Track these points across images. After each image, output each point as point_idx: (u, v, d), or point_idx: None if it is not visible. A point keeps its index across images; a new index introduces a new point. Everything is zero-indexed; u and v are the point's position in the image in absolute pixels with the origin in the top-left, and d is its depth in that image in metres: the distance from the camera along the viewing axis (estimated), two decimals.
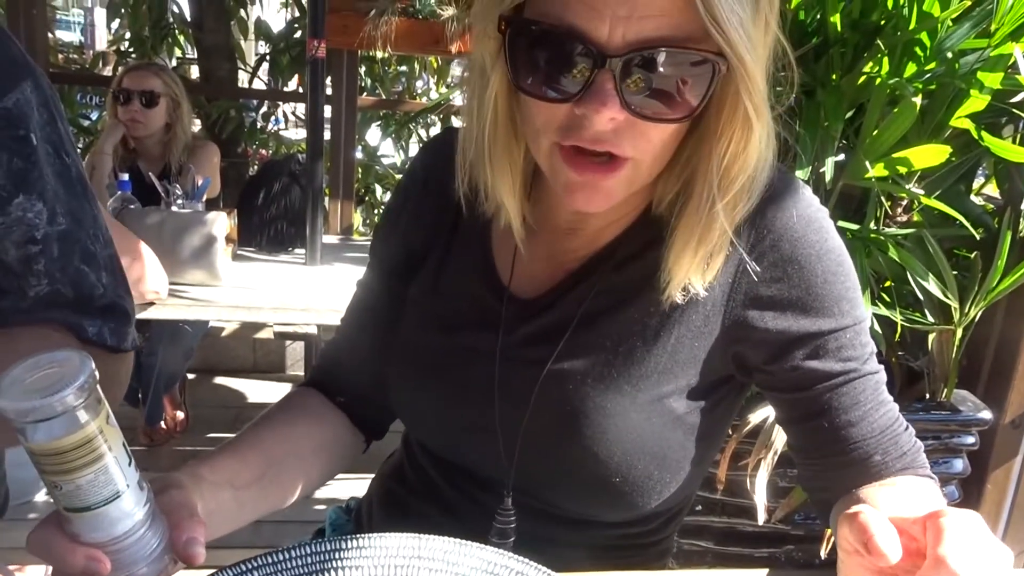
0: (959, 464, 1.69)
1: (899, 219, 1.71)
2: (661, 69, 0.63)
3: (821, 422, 0.76)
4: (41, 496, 2.38)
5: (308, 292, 2.28)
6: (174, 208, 2.32)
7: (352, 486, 1.14)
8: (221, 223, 2.23)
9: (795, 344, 0.74)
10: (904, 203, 1.71)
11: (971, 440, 1.69)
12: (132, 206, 2.26)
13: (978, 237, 1.66)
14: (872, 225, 1.62)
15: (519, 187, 0.76)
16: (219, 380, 3.57)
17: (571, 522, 0.82)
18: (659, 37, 0.61)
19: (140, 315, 1.99)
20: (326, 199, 3.23)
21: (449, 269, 0.86)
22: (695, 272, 0.72)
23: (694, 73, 0.63)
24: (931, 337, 1.67)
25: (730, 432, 1.93)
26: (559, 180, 0.70)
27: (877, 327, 1.76)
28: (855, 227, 1.58)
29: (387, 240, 0.91)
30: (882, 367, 0.78)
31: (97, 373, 0.53)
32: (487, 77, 0.69)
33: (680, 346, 0.76)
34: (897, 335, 1.71)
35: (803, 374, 0.75)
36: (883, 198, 1.64)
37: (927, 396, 1.71)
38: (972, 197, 1.79)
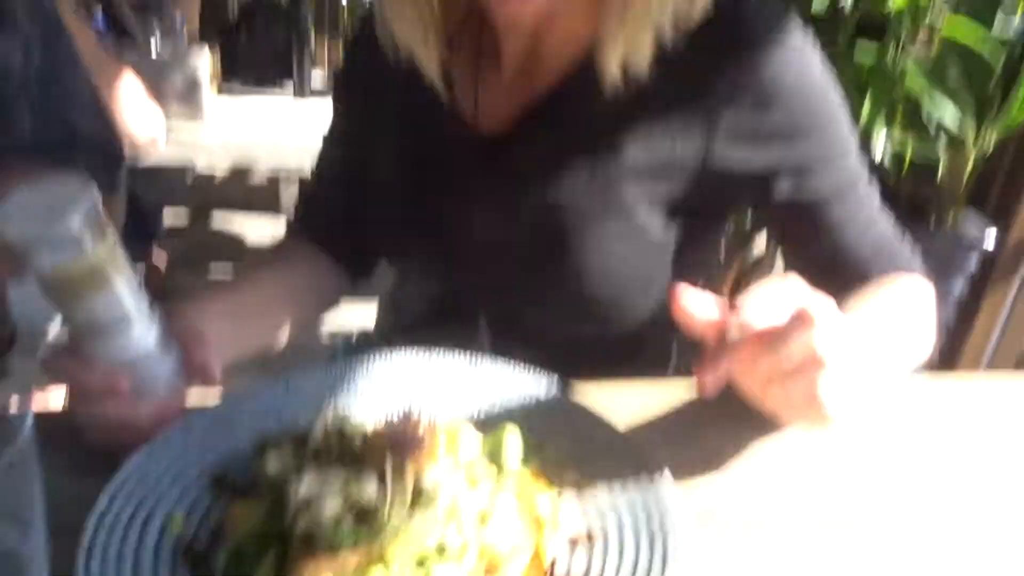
0: (958, 286, 1.72)
1: (921, 42, 1.64)
2: None
3: (811, 243, 0.76)
4: (52, 331, 2.41)
5: (299, 129, 2.23)
6: (153, 47, 2.23)
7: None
8: (204, 61, 2.16)
9: (781, 170, 0.73)
10: (926, 28, 1.63)
11: (972, 263, 1.70)
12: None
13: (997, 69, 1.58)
14: (892, 52, 1.55)
15: (432, 35, 0.73)
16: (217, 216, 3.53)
17: (556, 345, 0.80)
18: None
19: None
20: (312, 36, 3.10)
21: (411, 111, 0.82)
22: (634, 45, 0.67)
23: None
24: (942, 163, 1.65)
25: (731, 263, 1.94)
26: None
27: (886, 163, 1.73)
28: (874, 48, 1.52)
29: (347, 84, 0.91)
30: (875, 185, 0.78)
31: (100, 197, 0.53)
32: None
33: (660, 176, 0.74)
34: (907, 163, 1.69)
35: (791, 199, 0.74)
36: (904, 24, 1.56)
37: (933, 220, 1.71)
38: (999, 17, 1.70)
